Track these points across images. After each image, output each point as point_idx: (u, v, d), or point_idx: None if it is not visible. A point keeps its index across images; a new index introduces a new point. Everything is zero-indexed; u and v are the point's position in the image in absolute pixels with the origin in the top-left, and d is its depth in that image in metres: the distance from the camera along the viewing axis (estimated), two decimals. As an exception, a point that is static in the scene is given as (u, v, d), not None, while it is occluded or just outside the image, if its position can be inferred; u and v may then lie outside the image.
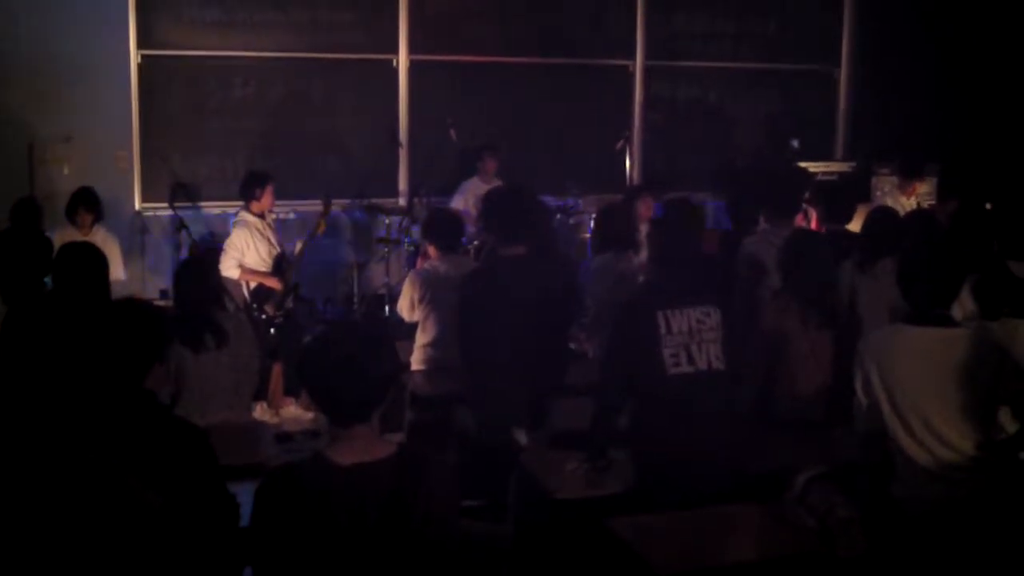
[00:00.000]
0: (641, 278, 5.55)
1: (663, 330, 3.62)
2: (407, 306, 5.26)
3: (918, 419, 3.30)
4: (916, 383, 3.31)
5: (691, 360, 3.62)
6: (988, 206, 5.74)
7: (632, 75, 9.52)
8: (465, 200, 8.04)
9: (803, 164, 9.14)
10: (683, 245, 3.96)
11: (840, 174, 9.17)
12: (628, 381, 3.70)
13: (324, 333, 2.56)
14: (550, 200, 8.24)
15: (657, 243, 4.04)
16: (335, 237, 8.61)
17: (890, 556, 3.08)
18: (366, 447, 2.42)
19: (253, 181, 6.94)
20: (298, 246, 7.23)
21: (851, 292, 5.10)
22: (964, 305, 4.08)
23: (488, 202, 4.66)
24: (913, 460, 3.31)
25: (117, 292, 6.84)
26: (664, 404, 3.64)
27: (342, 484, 2.36)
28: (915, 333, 3.36)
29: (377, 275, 8.56)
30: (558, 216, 8.31)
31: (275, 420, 6.39)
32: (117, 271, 7.04)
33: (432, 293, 5.14)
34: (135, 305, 2.96)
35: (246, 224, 6.86)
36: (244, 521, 2.65)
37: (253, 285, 6.84)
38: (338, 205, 7.74)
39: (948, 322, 3.39)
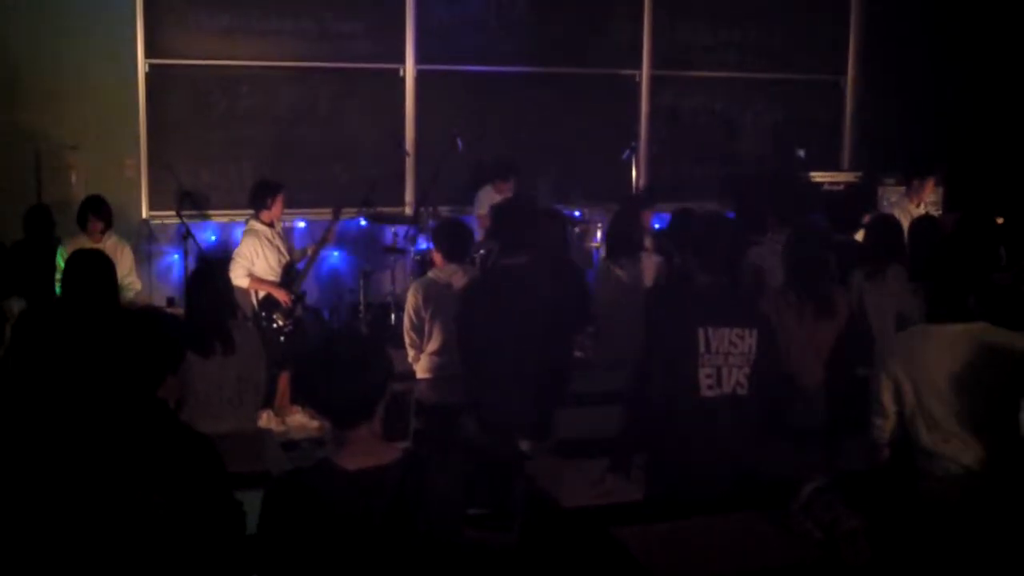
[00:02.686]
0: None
1: (702, 348, 3.57)
2: (407, 325, 5.26)
3: (945, 415, 3.30)
4: (943, 378, 3.31)
5: (719, 383, 3.60)
6: (1000, 220, 5.75)
7: (638, 85, 9.54)
8: (483, 207, 8.06)
9: (809, 174, 9.17)
10: (730, 257, 3.92)
11: (846, 184, 9.18)
12: (662, 394, 3.68)
13: (316, 343, 2.62)
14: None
15: (704, 253, 3.87)
16: (341, 246, 8.63)
17: (896, 565, 3.08)
18: (372, 451, 2.44)
19: (264, 190, 6.95)
20: (309, 250, 7.25)
21: (859, 301, 5.11)
22: None
23: (496, 212, 4.69)
24: (939, 458, 3.30)
25: (131, 298, 6.90)
26: (689, 423, 3.62)
27: (348, 489, 2.38)
28: (938, 330, 3.36)
29: (383, 284, 8.58)
30: (576, 229, 8.32)
31: (281, 428, 6.40)
32: (132, 278, 7.06)
33: (436, 301, 5.15)
34: (154, 315, 2.98)
35: (255, 233, 6.87)
36: (250, 528, 2.66)
37: (262, 294, 6.85)
38: (345, 214, 7.78)
39: (969, 317, 3.39)
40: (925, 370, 3.35)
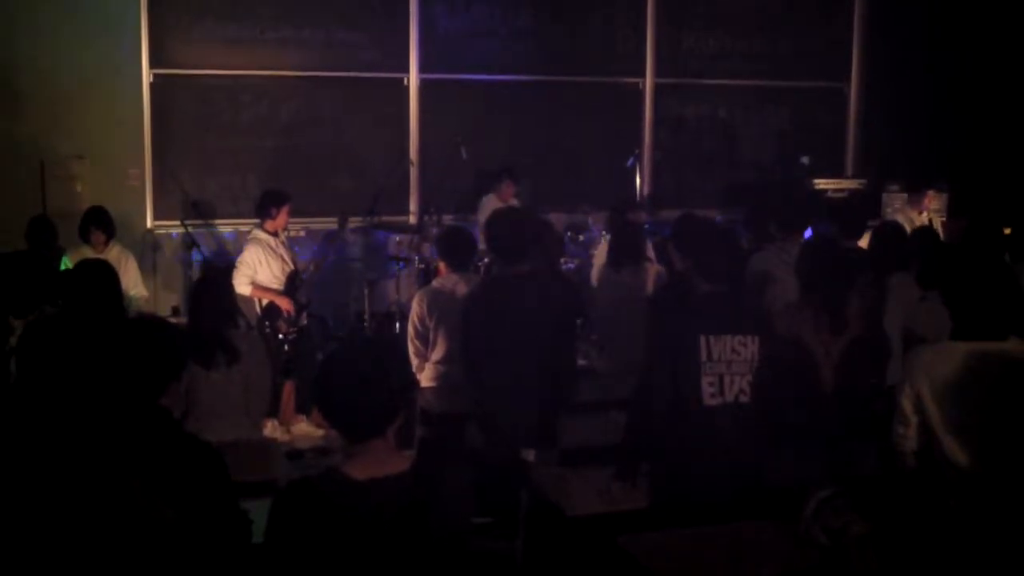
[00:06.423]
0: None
1: (704, 356, 3.59)
2: (412, 333, 5.25)
3: (970, 430, 3.28)
4: (969, 395, 3.29)
5: (722, 391, 3.60)
6: (1007, 231, 5.74)
7: (642, 93, 9.55)
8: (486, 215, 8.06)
9: (813, 181, 9.17)
10: (730, 265, 3.92)
11: (850, 191, 9.18)
12: (665, 402, 3.67)
13: (335, 352, 2.58)
14: (560, 217, 8.27)
15: (704, 261, 3.89)
16: (346, 255, 8.64)
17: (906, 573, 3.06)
18: (381, 462, 2.43)
19: (269, 200, 6.96)
20: (312, 267, 7.27)
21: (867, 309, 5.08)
22: None
23: (489, 223, 4.69)
24: (962, 470, 3.28)
25: (141, 307, 6.90)
26: (693, 431, 3.62)
27: (357, 498, 2.37)
28: (966, 347, 3.34)
29: (388, 293, 8.58)
30: (568, 234, 8.33)
31: (286, 437, 6.39)
32: (137, 287, 7.05)
33: (441, 309, 5.15)
34: (153, 323, 2.98)
35: (258, 241, 6.89)
36: (255, 537, 2.66)
37: (265, 302, 6.86)
38: (349, 223, 7.80)
39: (999, 334, 3.35)
40: (951, 386, 3.31)
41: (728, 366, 3.60)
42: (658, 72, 9.55)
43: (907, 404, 3.39)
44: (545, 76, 9.13)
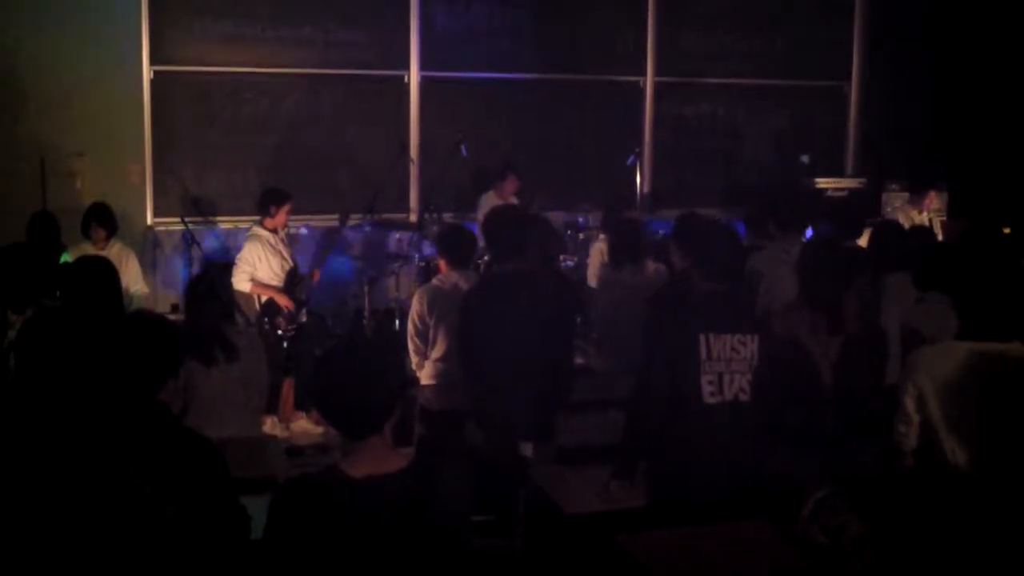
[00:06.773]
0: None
1: (703, 355, 3.59)
2: (412, 331, 5.25)
3: (969, 431, 3.28)
4: (968, 396, 3.29)
5: (721, 390, 3.61)
6: (1007, 230, 5.74)
7: (642, 91, 9.55)
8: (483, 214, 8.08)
9: (813, 180, 9.18)
10: (731, 264, 3.92)
11: (850, 190, 9.18)
12: (664, 401, 3.67)
13: (332, 350, 2.59)
14: (560, 215, 8.29)
15: (704, 260, 3.89)
16: (345, 252, 8.64)
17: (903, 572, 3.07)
18: (379, 459, 2.44)
19: (270, 198, 6.98)
20: (315, 276, 7.28)
21: (865, 308, 5.09)
22: None
23: (486, 221, 4.69)
24: (962, 469, 3.29)
25: (142, 303, 6.91)
26: (691, 430, 3.62)
27: (355, 496, 2.38)
28: (970, 347, 3.34)
29: (387, 290, 8.59)
30: (568, 232, 8.34)
31: (285, 434, 6.41)
32: (138, 284, 7.06)
33: (440, 307, 5.15)
34: (151, 319, 2.99)
35: (258, 238, 6.89)
36: (254, 534, 2.66)
37: (264, 299, 6.86)
38: (349, 220, 7.81)
39: (1004, 336, 3.35)
40: (952, 385, 3.31)
41: (727, 365, 3.61)
42: (658, 71, 9.55)
43: (910, 403, 3.39)
44: (545, 74, 9.14)
